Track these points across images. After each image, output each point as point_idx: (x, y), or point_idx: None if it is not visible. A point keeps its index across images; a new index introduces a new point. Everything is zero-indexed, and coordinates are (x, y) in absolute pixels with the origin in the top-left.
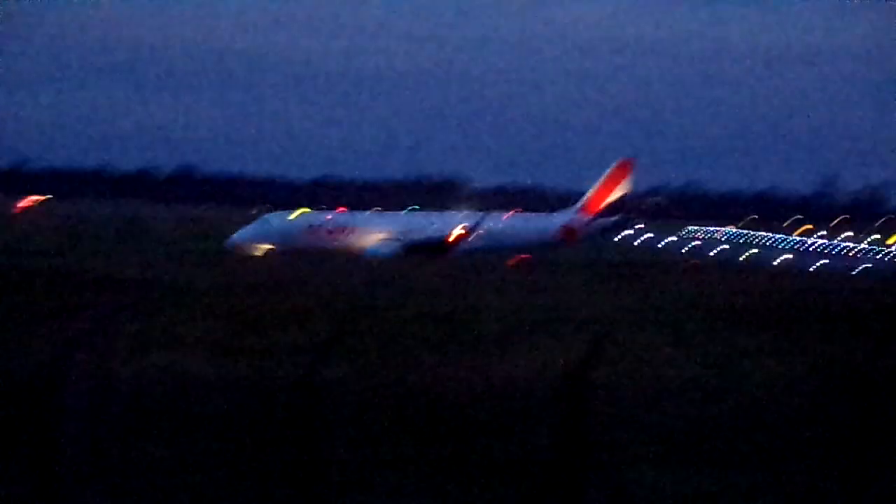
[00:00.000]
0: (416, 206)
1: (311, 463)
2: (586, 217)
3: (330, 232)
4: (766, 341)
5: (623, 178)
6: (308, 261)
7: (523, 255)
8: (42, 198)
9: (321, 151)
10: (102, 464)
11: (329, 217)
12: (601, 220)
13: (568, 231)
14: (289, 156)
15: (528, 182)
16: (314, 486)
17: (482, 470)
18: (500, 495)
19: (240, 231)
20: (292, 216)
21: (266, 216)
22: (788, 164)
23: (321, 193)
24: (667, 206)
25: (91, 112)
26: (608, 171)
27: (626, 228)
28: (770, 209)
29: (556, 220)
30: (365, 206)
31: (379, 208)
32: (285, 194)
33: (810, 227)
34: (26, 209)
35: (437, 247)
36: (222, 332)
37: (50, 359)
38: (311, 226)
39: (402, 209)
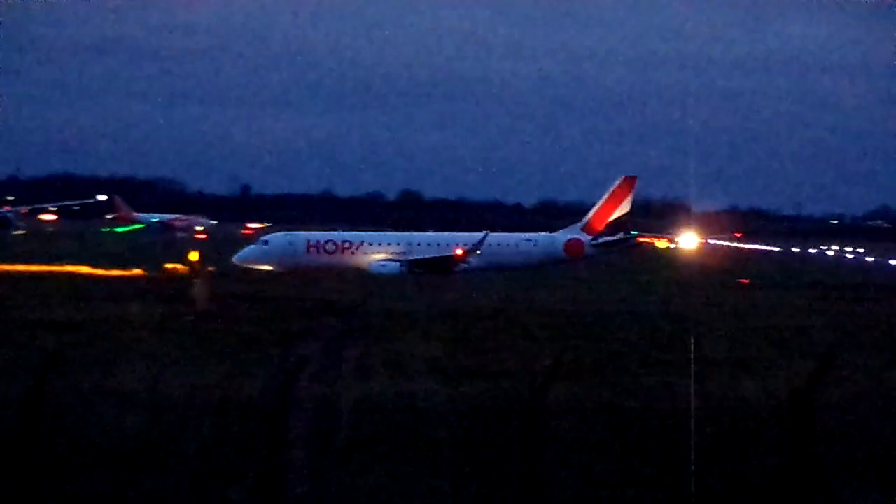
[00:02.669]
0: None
1: (537, 486)
2: (590, 234)
3: (330, 251)
4: None
5: (626, 195)
6: (504, 282)
7: (745, 280)
8: (263, 224)
9: (541, 175)
10: (326, 487)
11: (328, 236)
12: (605, 238)
13: (572, 248)
14: (510, 179)
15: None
16: None
17: (709, 492)
18: None
19: (241, 251)
20: (292, 235)
21: (266, 236)
22: None
23: (542, 218)
24: (887, 228)
25: (319, 138)
26: (611, 188)
27: (630, 246)
28: None
29: (560, 238)
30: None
31: None
32: (510, 218)
33: None
34: (250, 235)
35: (440, 265)
36: (443, 356)
37: (277, 383)
38: (311, 245)
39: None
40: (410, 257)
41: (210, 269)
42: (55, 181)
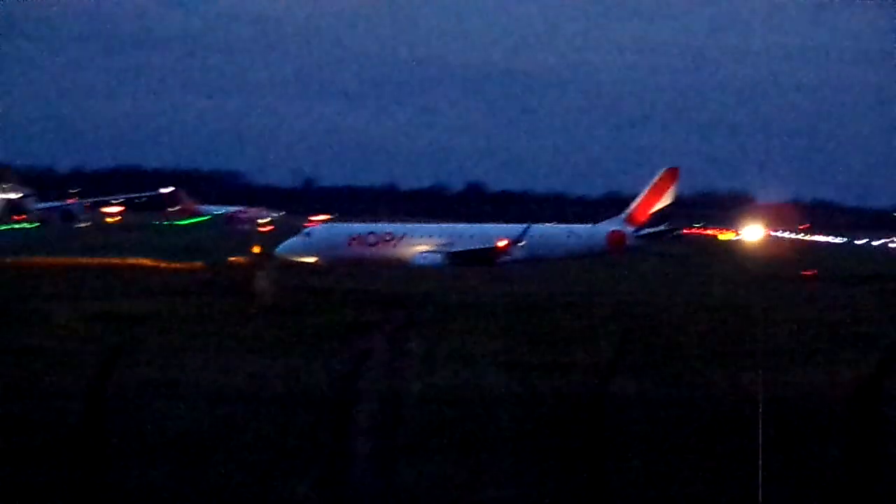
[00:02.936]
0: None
1: (599, 480)
2: (633, 226)
3: (372, 243)
4: None
5: (669, 186)
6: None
7: (811, 272)
8: (328, 216)
9: (607, 167)
10: (391, 479)
11: (370, 228)
12: (647, 230)
13: (615, 240)
14: (576, 171)
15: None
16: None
17: (771, 486)
18: None
19: (284, 243)
20: (334, 227)
21: (309, 228)
22: None
23: (608, 210)
24: None
25: (378, 131)
26: (654, 179)
27: (673, 238)
28: None
29: (602, 230)
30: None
31: None
32: (576, 209)
33: None
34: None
35: (483, 257)
36: (506, 348)
37: (342, 375)
38: (353, 237)
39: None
40: (452, 249)
41: (274, 261)
42: (119, 174)
